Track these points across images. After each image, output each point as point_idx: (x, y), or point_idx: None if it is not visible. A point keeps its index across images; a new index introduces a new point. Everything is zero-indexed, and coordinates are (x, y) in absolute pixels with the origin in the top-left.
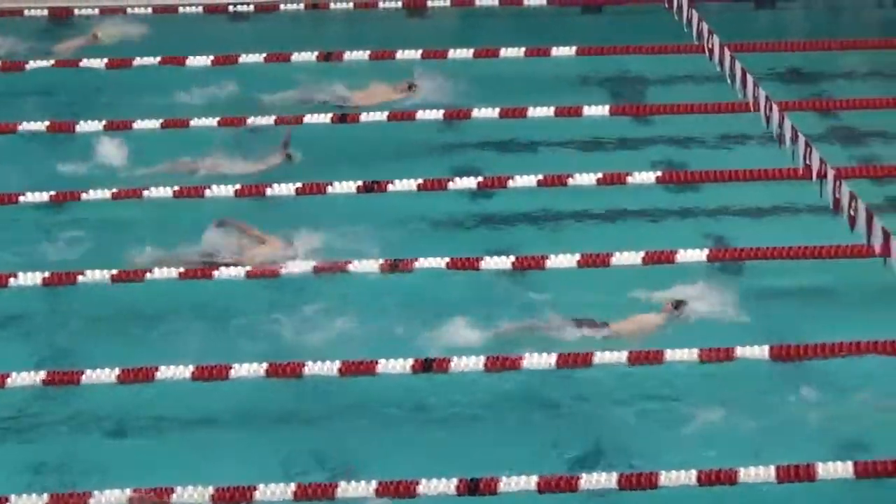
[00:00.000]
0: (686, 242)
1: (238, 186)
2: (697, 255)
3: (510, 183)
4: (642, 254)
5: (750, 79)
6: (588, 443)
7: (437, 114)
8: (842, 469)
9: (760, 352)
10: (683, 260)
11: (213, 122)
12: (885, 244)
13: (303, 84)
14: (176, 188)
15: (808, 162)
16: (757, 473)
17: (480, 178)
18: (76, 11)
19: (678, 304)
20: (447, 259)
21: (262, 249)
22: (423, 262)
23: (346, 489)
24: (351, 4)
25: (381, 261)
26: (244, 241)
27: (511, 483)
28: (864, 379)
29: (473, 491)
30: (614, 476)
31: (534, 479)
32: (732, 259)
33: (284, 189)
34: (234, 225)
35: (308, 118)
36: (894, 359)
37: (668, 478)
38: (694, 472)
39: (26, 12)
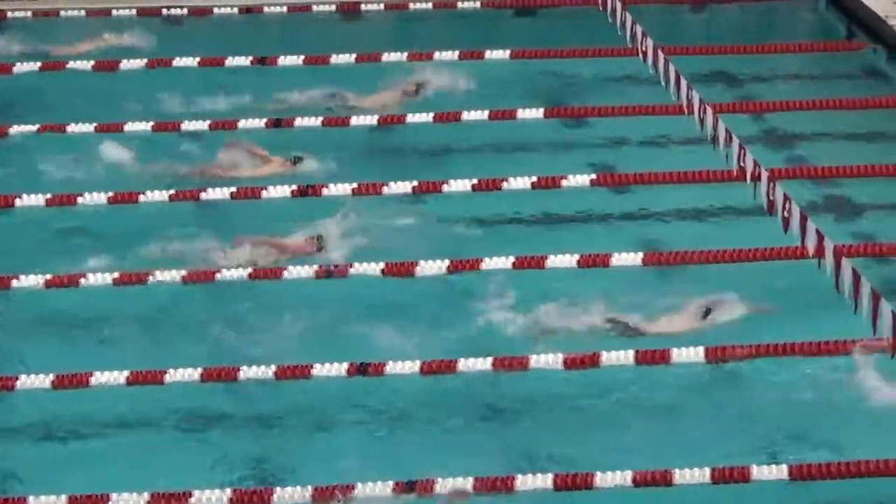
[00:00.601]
0: (621, 245)
1: (173, 192)
2: (633, 258)
3: (445, 187)
4: (577, 257)
5: (684, 81)
6: (525, 445)
7: (372, 118)
8: (776, 471)
9: (696, 354)
10: (618, 263)
11: (147, 126)
12: (819, 245)
13: (237, 88)
14: (110, 194)
15: (742, 164)
16: (692, 475)
17: (415, 183)
18: (9, 14)
19: (707, 311)
20: (382, 264)
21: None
22: (358, 268)
23: (281, 495)
24: (285, 8)
25: (315, 267)
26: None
27: (447, 484)
28: (802, 381)
29: (409, 492)
30: (550, 477)
31: (470, 480)
32: (667, 262)
33: (220, 193)
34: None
35: (243, 123)
36: (833, 360)
37: (603, 479)
38: (630, 474)
39: None
